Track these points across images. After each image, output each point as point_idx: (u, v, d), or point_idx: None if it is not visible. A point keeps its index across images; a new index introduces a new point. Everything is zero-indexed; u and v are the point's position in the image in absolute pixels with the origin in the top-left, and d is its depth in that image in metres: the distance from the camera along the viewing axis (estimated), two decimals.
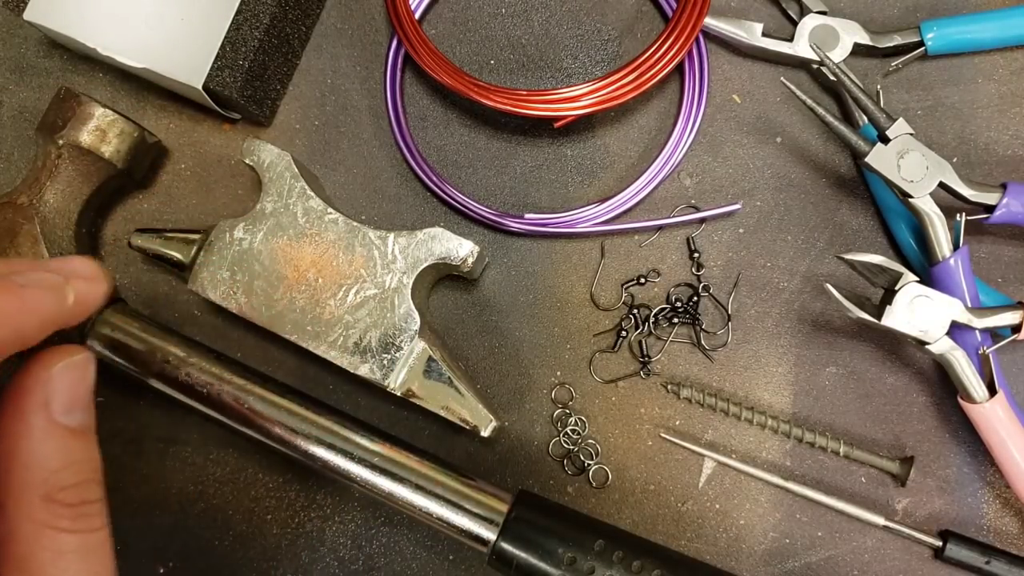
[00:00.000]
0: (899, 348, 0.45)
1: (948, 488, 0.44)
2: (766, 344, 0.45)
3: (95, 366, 0.32)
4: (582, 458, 0.44)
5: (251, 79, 0.43)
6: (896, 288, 0.39)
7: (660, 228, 0.46)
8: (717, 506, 0.44)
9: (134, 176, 0.45)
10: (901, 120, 0.40)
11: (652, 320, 0.45)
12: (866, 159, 0.40)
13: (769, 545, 0.44)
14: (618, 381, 0.45)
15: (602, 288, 0.45)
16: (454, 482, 0.39)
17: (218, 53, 0.42)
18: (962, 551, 0.42)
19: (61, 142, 0.42)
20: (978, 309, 0.39)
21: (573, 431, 0.44)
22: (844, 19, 0.45)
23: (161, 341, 0.41)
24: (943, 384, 0.44)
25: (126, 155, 0.43)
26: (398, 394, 0.41)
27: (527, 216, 0.45)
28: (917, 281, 0.39)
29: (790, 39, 0.45)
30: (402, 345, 0.40)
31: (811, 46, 0.44)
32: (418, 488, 0.39)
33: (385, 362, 0.40)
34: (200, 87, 0.41)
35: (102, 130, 0.42)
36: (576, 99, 0.42)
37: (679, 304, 0.45)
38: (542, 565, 0.37)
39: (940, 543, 0.42)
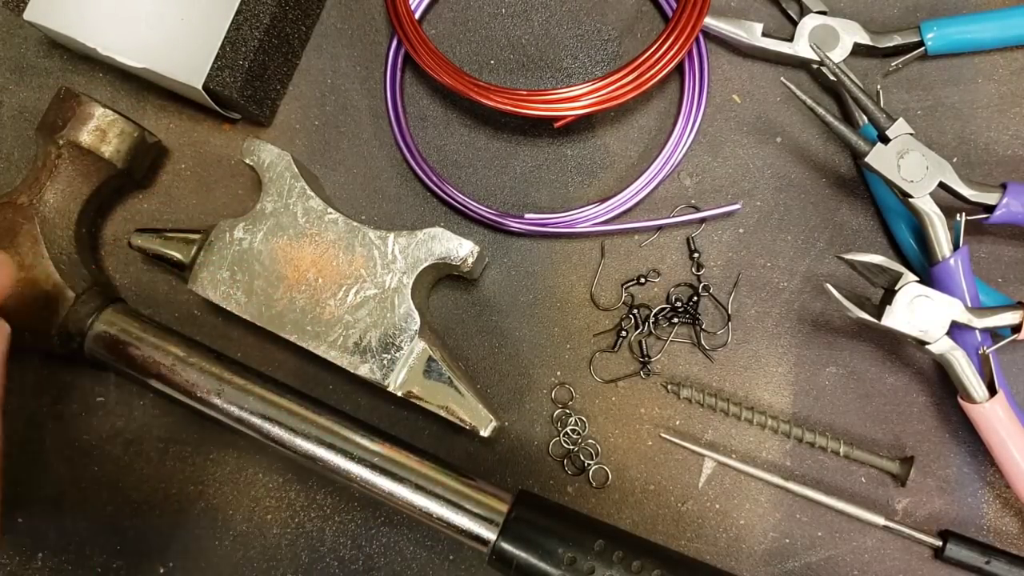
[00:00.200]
0: (899, 348, 0.45)
1: (948, 488, 0.44)
2: (766, 344, 0.45)
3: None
4: (582, 458, 0.44)
5: (251, 79, 0.43)
6: (896, 288, 0.39)
7: (660, 228, 0.46)
8: (717, 506, 0.44)
9: (134, 176, 0.45)
10: (901, 120, 0.40)
11: (652, 320, 0.45)
12: (866, 159, 0.40)
13: (769, 545, 0.44)
14: (618, 381, 0.45)
15: (602, 288, 0.45)
16: (454, 482, 0.39)
17: (218, 53, 0.42)
18: (962, 551, 0.42)
19: (61, 142, 0.42)
20: (978, 309, 0.39)
21: (573, 431, 0.44)
22: (844, 19, 0.45)
23: (161, 341, 0.41)
24: (943, 384, 0.44)
25: (126, 155, 0.43)
26: (398, 394, 0.41)
27: (527, 216, 0.45)
28: (917, 281, 0.39)
29: (790, 39, 0.45)
30: (402, 345, 0.40)
31: (811, 46, 0.44)
32: (418, 488, 0.39)
33: (385, 362, 0.40)
34: (200, 87, 0.41)
35: (102, 130, 0.42)
36: (576, 99, 0.42)
37: (679, 304, 0.45)
38: (542, 565, 0.37)
39: (940, 543, 0.42)
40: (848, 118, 0.45)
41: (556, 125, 0.43)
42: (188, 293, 0.42)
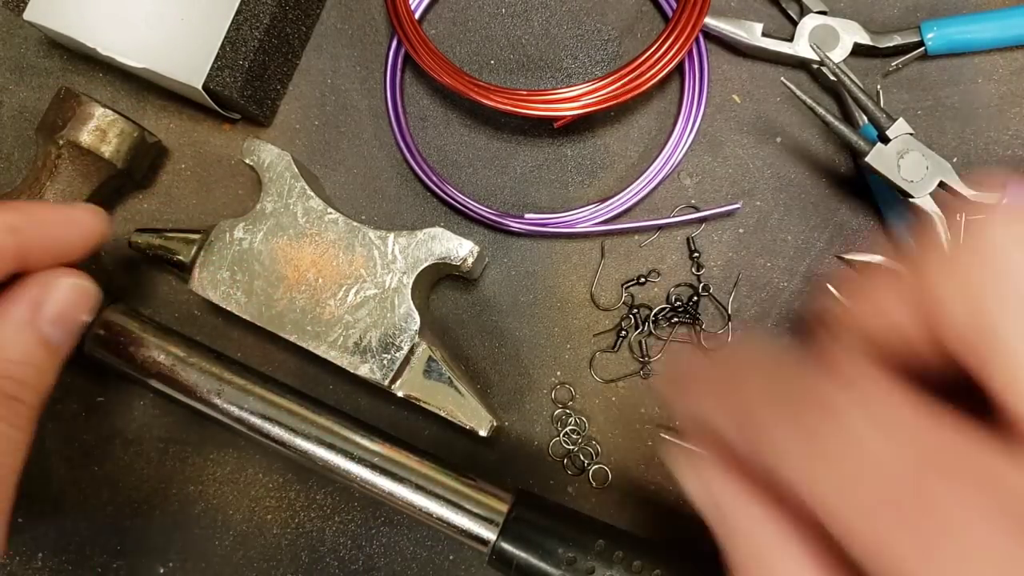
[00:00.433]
0: None
1: None
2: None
3: (97, 304, 0.35)
4: (582, 458, 0.44)
5: (251, 79, 0.43)
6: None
7: (660, 228, 0.46)
8: None
9: (134, 176, 0.45)
10: (901, 120, 0.40)
11: (652, 320, 0.45)
12: (866, 159, 0.40)
13: None
14: (618, 381, 0.45)
15: (602, 288, 0.45)
16: (454, 482, 0.39)
17: (218, 53, 0.42)
18: None
19: (61, 142, 0.42)
20: None
21: (573, 431, 0.44)
22: (844, 19, 0.45)
23: (161, 341, 0.41)
24: None
25: (126, 155, 0.43)
26: (398, 394, 0.41)
27: (527, 216, 0.45)
28: None
29: (790, 39, 0.45)
30: (402, 345, 0.40)
31: (811, 46, 0.44)
32: (418, 488, 0.39)
33: (385, 362, 0.40)
34: (200, 87, 0.41)
35: (102, 130, 0.42)
36: (576, 99, 0.42)
37: (679, 304, 0.45)
38: (542, 565, 0.37)
39: None
40: (848, 118, 0.45)
41: (556, 125, 0.43)
42: (188, 293, 0.42)
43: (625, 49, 0.47)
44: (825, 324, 0.22)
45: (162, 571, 0.45)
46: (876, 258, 0.39)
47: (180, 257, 0.42)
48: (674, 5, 0.45)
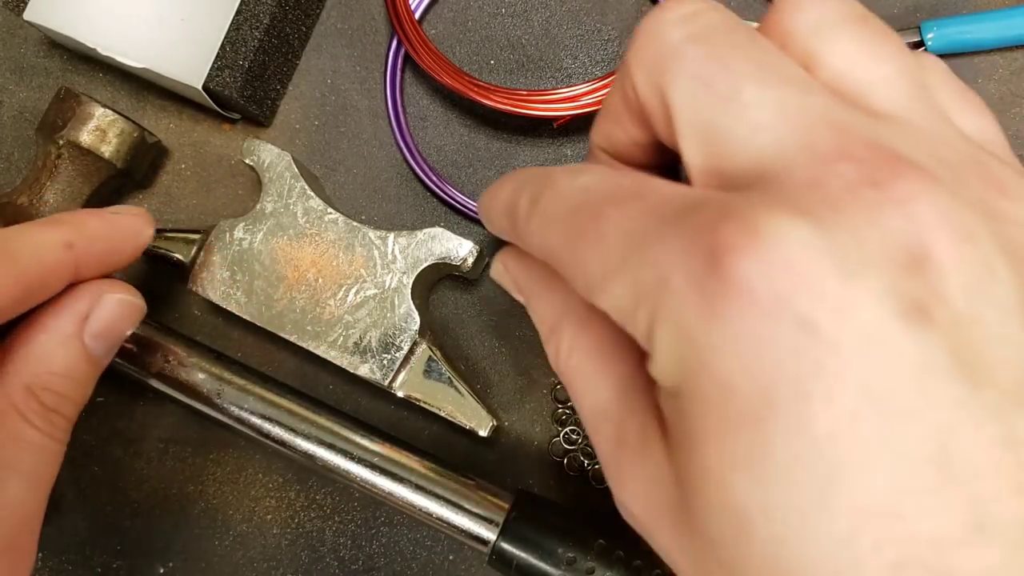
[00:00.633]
0: None
1: None
2: None
3: (140, 320, 0.35)
4: (582, 458, 0.44)
5: (251, 79, 0.43)
6: None
7: None
8: None
9: (134, 176, 0.45)
10: None
11: None
12: None
13: None
14: None
15: None
16: (454, 482, 0.39)
17: (218, 53, 0.42)
18: None
19: (61, 142, 0.42)
20: None
21: (573, 431, 0.44)
22: None
23: (161, 341, 0.41)
24: None
25: (126, 155, 0.43)
26: (398, 394, 0.41)
27: None
28: None
29: None
30: (402, 345, 0.40)
31: None
32: (418, 488, 0.39)
33: (385, 362, 0.40)
34: (200, 87, 0.41)
35: (102, 130, 0.42)
36: (576, 99, 0.42)
37: None
38: (542, 565, 0.37)
39: None
40: None
41: (556, 125, 0.43)
42: (188, 293, 0.42)
43: (625, 49, 0.47)
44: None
45: (162, 571, 0.45)
46: None
47: (180, 257, 0.42)
48: None
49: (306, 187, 0.41)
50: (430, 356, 0.41)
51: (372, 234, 0.41)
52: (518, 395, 0.45)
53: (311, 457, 0.40)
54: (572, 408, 0.45)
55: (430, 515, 0.39)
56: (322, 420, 0.41)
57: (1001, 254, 0.18)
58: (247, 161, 0.42)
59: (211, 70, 0.42)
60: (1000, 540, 0.16)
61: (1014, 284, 0.18)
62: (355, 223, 0.41)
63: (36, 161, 0.43)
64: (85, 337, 0.32)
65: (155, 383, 0.41)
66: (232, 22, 0.42)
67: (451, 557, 0.44)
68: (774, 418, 0.17)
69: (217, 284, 0.41)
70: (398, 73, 0.46)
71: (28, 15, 0.42)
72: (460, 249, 0.41)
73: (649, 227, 0.20)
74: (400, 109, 0.46)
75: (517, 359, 0.45)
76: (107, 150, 0.42)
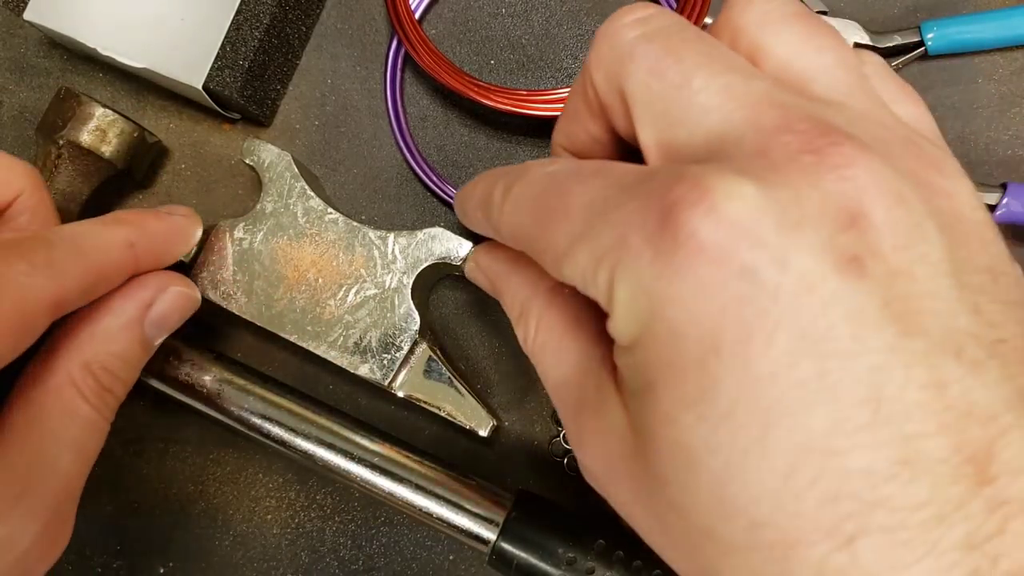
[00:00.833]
0: None
1: None
2: None
3: (191, 313, 0.38)
4: None
5: (251, 79, 0.43)
6: None
7: None
8: None
9: (134, 176, 0.45)
10: None
11: None
12: None
13: None
14: None
15: None
16: (454, 482, 0.39)
17: (218, 53, 0.42)
18: None
19: (61, 142, 0.42)
20: None
21: None
22: (844, 19, 0.45)
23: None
24: None
25: (126, 155, 0.43)
26: (398, 394, 0.41)
27: None
28: None
29: None
30: (402, 345, 0.40)
31: None
32: (418, 488, 0.39)
33: (385, 362, 0.40)
34: (200, 87, 0.41)
35: (102, 130, 0.42)
36: None
37: None
38: (542, 565, 0.37)
39: None
40: None
41: None
42: None
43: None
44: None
45: (162, 571, 0.45)
46: None
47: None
48: (674, 5, 0.45)
49: (306, 187, 0.41)
50: (430, 356, 0.41)
51: (372, 234, 0.41)
52: (518, 395, 0.45)
53: (311, 457, 0.40)
54: None
55: (430, 515, 0.39)
56: (322, 420, 0.41)
57: (931, 218, 0.20)
58: (247, 161, 0.42)
59: (211, 70, 0.42)
60: (926, 475, 0.17)
61: (943, 245, 0.19)
62: (355, 223, 0.41)
63: (36, 161, 0.43)
64: (145, 323, 0.35)
65: (155, 383, 0.41)
66: (232, 22, 0.42)
67: (451, 557, 0.44)
68: (719, 360, 0.19)
69: (217, 284, 0.41)
70: (398, 73, 0.46)
71: (28, 15, 0.42)
72: (460, 249, 0.41)
73: (609, 196, 0.22)
74: (400, 109, 0.46)
75: (517, 359, 0.45)
76: (107, 150, 0.42)
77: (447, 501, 0.39)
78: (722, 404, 0.19)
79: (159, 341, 0.36)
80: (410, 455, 0.40)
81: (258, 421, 0.40)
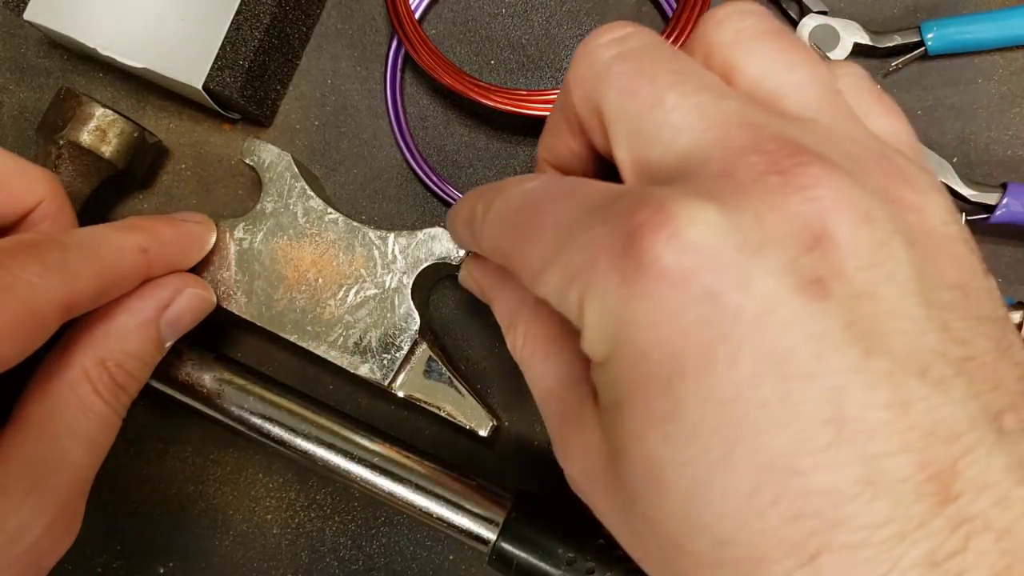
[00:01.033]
0: None
1: None
2: None
3: (206, 315, 0.39)
4: None
5: (251, 79, 0.43)
6: None
7: None
8: None
9: (134, 176, 0.45)
10: None
11: None
12: None
13: None
14: None
15: None
16: (454, 482, 0.39)
17: (218, 53, 0.42)
18: None
19: (61, 142, 0.42)
20: None
21: None
22: (844, 19, 0.45)
23: None
24: None
25: (126, 155, 0.43)
26: (398, 394, 0.41)
27: None
28: None
29: None
30: (402, 345, 0.40)
31: (811, 46, 0.44)
32: (418, 488, 0.39)
33: (385, 362, 0.40)
34: (200, 87, 0.41)
35: (102, 130, 0.42)
36: None
37: None
38: (542, 565, 0.37)
39: None
40: None
41: None
42: None
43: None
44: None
45: (162, 571, 0.45)
46: None
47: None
48: (674, 5, 0.45)
49: (306, 187, 0.41)
50: (430, 356, 0.41)
51: (372, 234, 0.41)
52: (518, 395, 0.45)
53: (311, 457, 0.40)
54: None
55: (430, 515, 0.39)
56: (322, 420, 0.41)
57: (899, 235, 0.20)
58: (247, 161, 0.42)
59: (211, 70, 0.42)
60: (888, 494, 0.18)
61: (911, 263, 0.20)
62: (355, 223, 0.41)
63: (36, 161, 0.43)
64: (160, 324, 0.36)
65: (155, 383, 0.41)
66: (232, 22, 0.42)
67: (451, 557, 0.44)
68: (683, 382, 0.19)
69: (217, 284, 0.41)
70: (398, 73, 0.46)
71: (28, 15, 0.42)
72: (460, 250, 0.41)
73: (580, 218, 0.22)
74: (400, 109, 0.46)
75: None
76: (107, 150, 0.42)
77: (447, 501, 0.39)
78: (687, 424, 0.19)
79: (172, 342, 0.37)
80: (410, 455, 0.40)
81: (258, 421, 0.40)
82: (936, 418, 0.18)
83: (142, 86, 0.47)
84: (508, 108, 0.42)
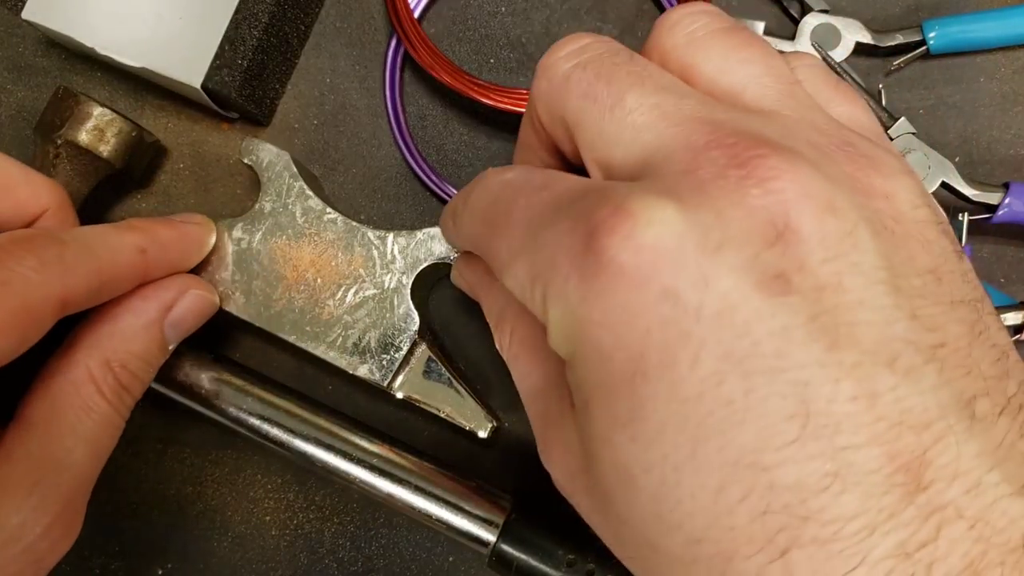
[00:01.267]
0: None
1: None
2: None
3: (209, 317, 0.39)
4: None
5: (250, 78, 0.43)
6: None
7: None
8: None
9: (132, 175, 0.45)
10: (903, 120, 0.40)
11: None
12: None
13: None
14: None
15: None
16: (454, 484, 0.39)
17: (216, 52, 0.42)
18: None
19: (59, 141, 0.41)
20: None
21: None
22: (846, 18, 0.44)
23: None
24: None
25: (124, 154, 0.43)
26: (397, 395, 0.40)
27: None
28: None
29: (792, 38, 0.45)
30: (401, 345, 0.40)
31: (813, 45, 0.44)
32: (417, 490, 0.39)
33: (384, 363, 0.40)
34: (199, 86, 0.41)
35: (100, 129, 0.42)
36: None
37: None
38: (542, 566, 0.37)
39: None
40: None
41: None
42: None
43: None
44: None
45: (160, 572, 0.44)
46: None
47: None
48: (674, 4, 0.45)
49: (305, 187, 0.41)
50: (430, 357, 0.40)
51: (371, 234, 0.41)
52: (518, 396, 0.45)
53: (310, 458, 0.40)
54: None
55: (430, 516, 0.39)
56: (321, 421, 0.40)
57: (865, 224, 0.19)
58: (245, 160, 0.42)
59: (209, 69, 0.41)
60: (857, 486, 0.18)
61: (878, 251, 0.19)
62: (354, 223, 0.41)
63: (34, 161, 0.43)
64: (165, 325, 0.36)
65: (153, 384, 0.41)
66: (231, 21, 0.42)
67: (451, 559, 0.44)
68: (646, 382, 0.19)
69: (216, 284, 0.41)
70: (398, 72, 0.46)
71: (26, 14, 0.42)
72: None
73: (546, 214, 0.22)
74: (400, 108, 0.46)
75: None
76: (105, 149, 0.42)
77: (447, 503, 0.39)
78: (652, 424, 0.19)
79: (176, 343, 0.37)
80: (409, 456, 0.40)
81: (256, 422, 0.40)
82: (905, 408, 0.18)
83: (140, 85, 0.47)
84: (508, 107, 0.42)
